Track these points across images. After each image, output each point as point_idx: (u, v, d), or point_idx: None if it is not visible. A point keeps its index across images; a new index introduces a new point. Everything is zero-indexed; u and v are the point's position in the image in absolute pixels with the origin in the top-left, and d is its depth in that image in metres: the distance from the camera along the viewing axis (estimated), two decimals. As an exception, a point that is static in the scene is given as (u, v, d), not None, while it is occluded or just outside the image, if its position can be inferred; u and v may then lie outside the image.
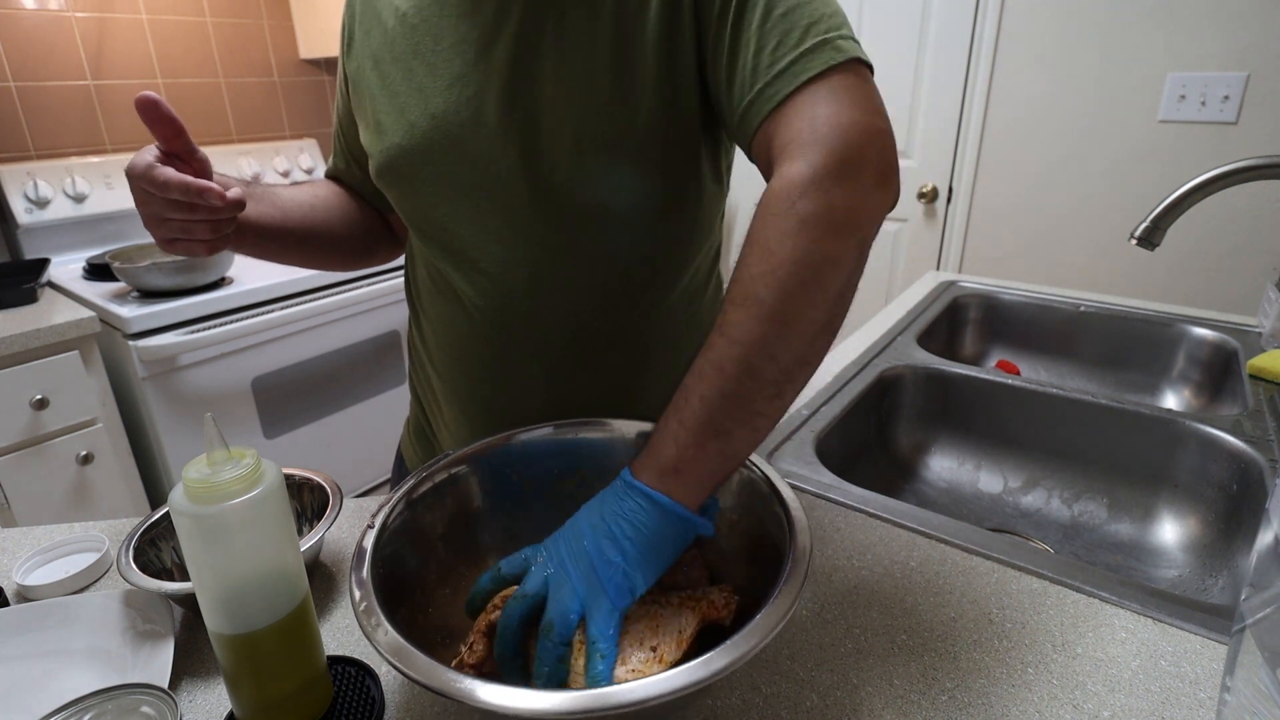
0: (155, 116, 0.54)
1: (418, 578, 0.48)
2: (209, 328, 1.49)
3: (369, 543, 0.45)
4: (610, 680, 0.39)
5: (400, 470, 0.89)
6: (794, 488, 0.61)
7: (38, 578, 0.60)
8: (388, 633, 0.38)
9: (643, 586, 0.42)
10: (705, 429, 0.42)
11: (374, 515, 0.47)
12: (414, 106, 0.62)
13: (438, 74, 0.61)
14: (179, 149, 0.56)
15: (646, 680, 0.34)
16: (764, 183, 0.49)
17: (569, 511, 0.56)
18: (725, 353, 0.43)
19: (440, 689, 0.34)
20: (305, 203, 0.75)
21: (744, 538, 0.51)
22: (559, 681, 0.40)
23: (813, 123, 0.46)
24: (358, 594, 0.41)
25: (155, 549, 0.57)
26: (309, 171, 2.18)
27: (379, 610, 0.39)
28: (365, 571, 0.43)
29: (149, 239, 1.83)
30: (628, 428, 0.56)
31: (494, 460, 0.56)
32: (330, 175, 0.83)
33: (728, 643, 0.36)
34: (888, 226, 2.32)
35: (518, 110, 0.59)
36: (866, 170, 0.45)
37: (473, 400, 0.71)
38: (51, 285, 1.60)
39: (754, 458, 0.51)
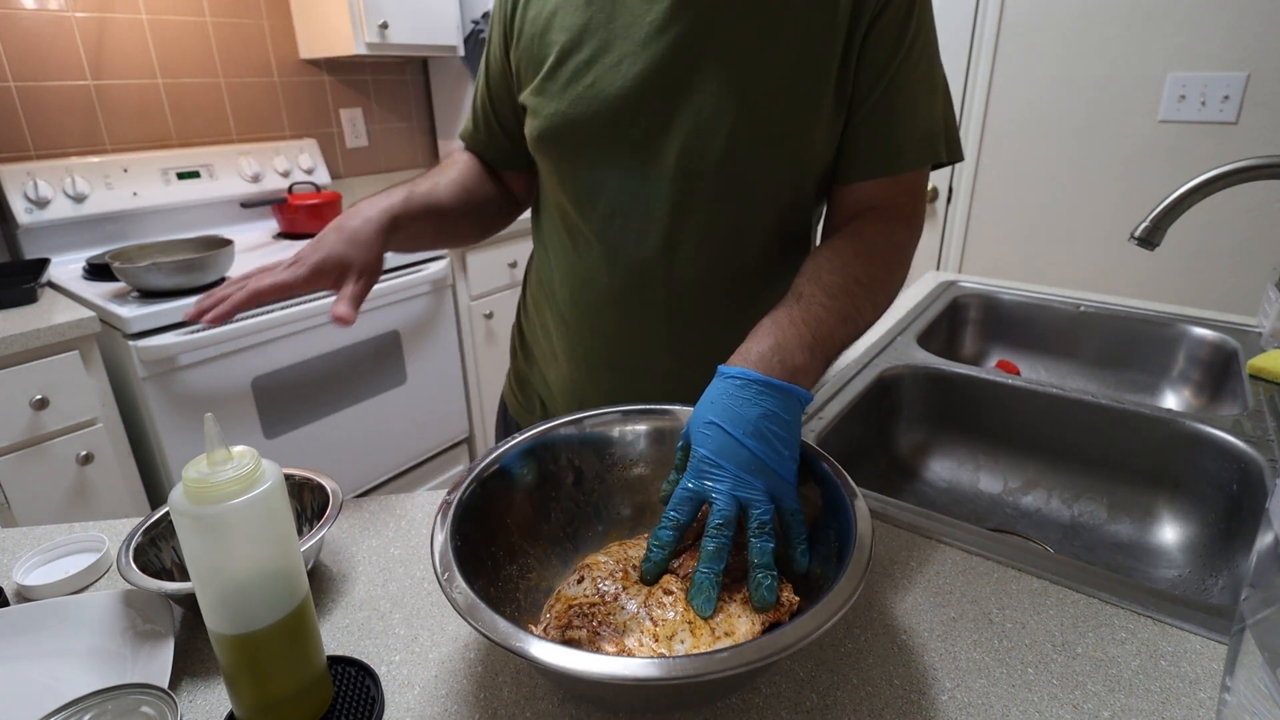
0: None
1: (487, 553, 0.50)
2: (209, 327, 1.49)
3: (449, 514, 0.47)
4: (809, 552, 0.49)
5: (504, 417, 0.94)
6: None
7: (38, 578, 0.60)
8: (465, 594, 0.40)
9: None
10: (825, 355, 0.57)
11: (449, 492, 0.50)
12: (580, 79, 0.66)
13: (608, 50, 0.64)
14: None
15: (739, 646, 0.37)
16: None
17: (628, 495, 0.60)
18: (850, 314, 0.60)
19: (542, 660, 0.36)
20: (460, 201, 0.79)
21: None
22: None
23: (914, 200, 0.70)
24: (439, 563, 0.43)
25: (155, 549, 0.57)
26: (309, 171, 2.17)
27: (458, 574, 0.42)
28: (444, 541, 0.45)
29: (148, 239, 1.84)
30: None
31: (561, 444, 0.58)
32: (468, 144, 0.85)
33: (793, 623, 0.38)
34: (888, 226, 2.32)
35: (680, 98, 0.63)
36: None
37: (594, 353, 0.77)
38: (51, 285, 1.60)
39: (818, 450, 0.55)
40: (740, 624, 0.45)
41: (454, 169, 0.82)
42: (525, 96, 0.71)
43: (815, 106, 0.63)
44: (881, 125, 0.65)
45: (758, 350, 0.54)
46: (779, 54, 0.62)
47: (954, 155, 0.68)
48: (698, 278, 0.71)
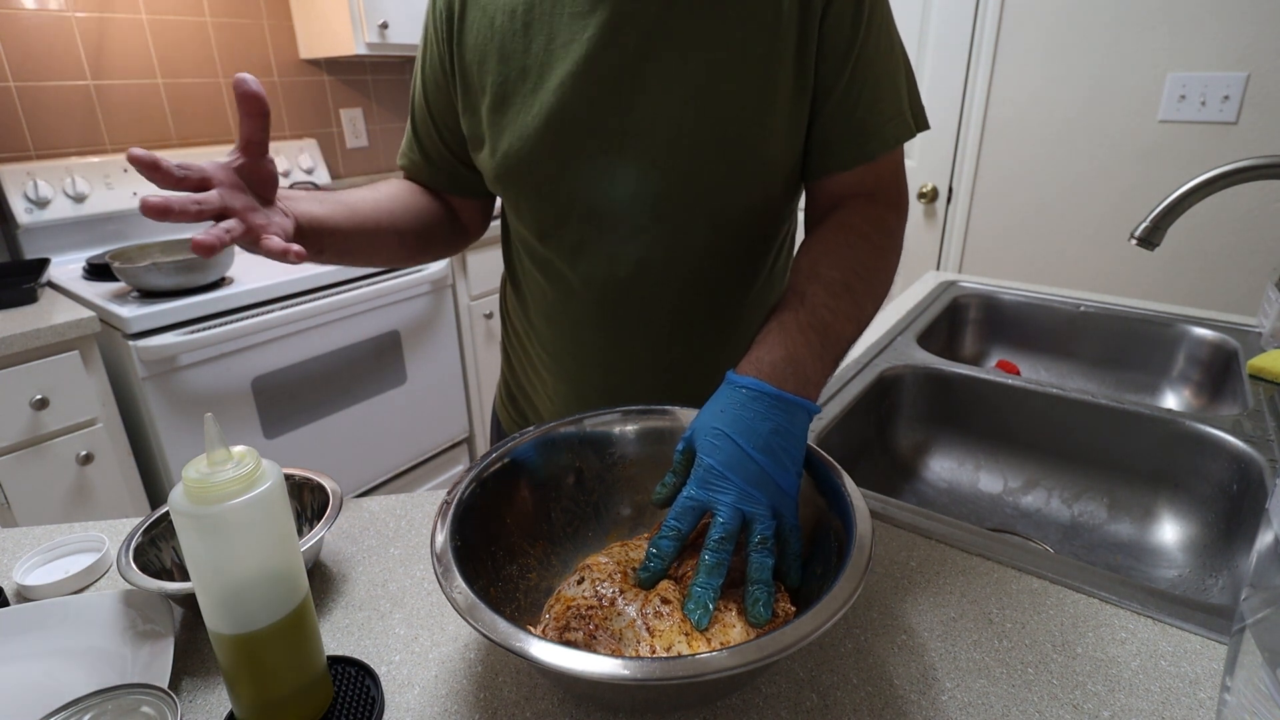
0: (252, 108, 0.51)
1: (487, 553, 0.50)
2: (209, 328, 1.49)
3: (449, 514, 0.47)
4: (803, 568, 0.50)
5: (497, 431, 0.93)
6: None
7: (38, 578, 0.60)
8: (466, 595, 0.40)
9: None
10: (835, 360, 0.57)
11: (449, 492, 0.50)
12: (528, 108, 0.63)
13: (550, 73, 0.62)
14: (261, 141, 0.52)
15: (729, 650, 0.37)
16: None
17: (629, 494, 0.60)
18: (854, 312, 0.59)
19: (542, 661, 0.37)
20: (372, 200, 0.71)
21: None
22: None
23: (896, 180, 0.67)
24: (438, 564, 0.43)
25: (155, 549, 0.57)
26: (309, 171, 2.17)
27: (458, 574, 0.42)
28: (444, 541, 0.45)
29: (149, 239, 1.84)
30: (691, 416, 0.58)
31: (561, 444, 0.58)
32: (405, 172, 0.79)
33: (793, 623, 0.38)
34: (888, 226, 2.32)
35: (632, 111, 0.61)
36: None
37: (582, 378, 0.75)
38: (51, 285, 1.59)
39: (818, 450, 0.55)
40: (735, 635, 0.45)
41: (392, 185, 0.76)
42: (472, 131, 0.69)
43: (771, 100, 0.61)
44: (854, 111, 0.63)
45: (770, 360, 0.52)
46: (726, 53, 0.60)
47: (921, 125, 0.67)
48: (674, 294, 0.69)
